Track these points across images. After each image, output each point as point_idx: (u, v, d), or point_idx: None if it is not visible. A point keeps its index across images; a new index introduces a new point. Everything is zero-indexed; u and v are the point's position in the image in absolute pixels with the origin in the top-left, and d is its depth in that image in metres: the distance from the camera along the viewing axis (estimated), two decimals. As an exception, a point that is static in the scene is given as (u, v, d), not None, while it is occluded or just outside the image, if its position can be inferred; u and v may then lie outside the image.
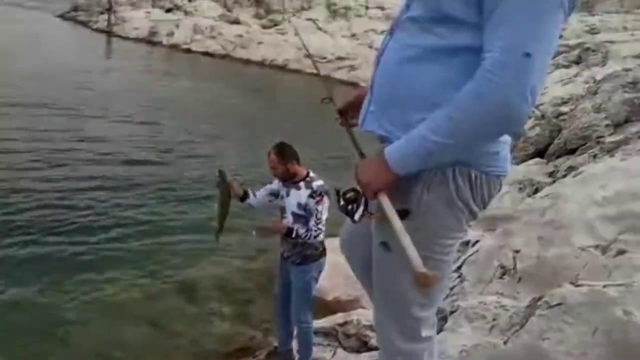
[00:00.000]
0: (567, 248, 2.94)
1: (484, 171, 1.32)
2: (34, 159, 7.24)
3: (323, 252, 3.19)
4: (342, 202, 1.38)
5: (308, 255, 3.14)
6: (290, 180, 3.11)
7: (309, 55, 2.06)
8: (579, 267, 2.79)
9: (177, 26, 21.22)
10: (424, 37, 1.26)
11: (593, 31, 12.93)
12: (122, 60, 17.11)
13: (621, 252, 2.71)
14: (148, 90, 12.91)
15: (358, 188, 1.35)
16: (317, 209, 3.01)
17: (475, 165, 1.31)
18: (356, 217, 1.36)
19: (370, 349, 3.51)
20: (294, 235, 3.03)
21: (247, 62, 19.69)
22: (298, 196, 3.07)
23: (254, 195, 3.30)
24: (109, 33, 21.63)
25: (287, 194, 3.13)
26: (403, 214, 1.30)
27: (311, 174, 3.13)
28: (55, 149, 7.70)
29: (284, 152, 3.09)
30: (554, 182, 4.92)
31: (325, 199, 3.03)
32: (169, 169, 7.63)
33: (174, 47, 20.48)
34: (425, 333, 1.47)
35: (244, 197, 3.26)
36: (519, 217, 3.63)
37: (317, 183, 3.08)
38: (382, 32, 19.32)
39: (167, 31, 21.16)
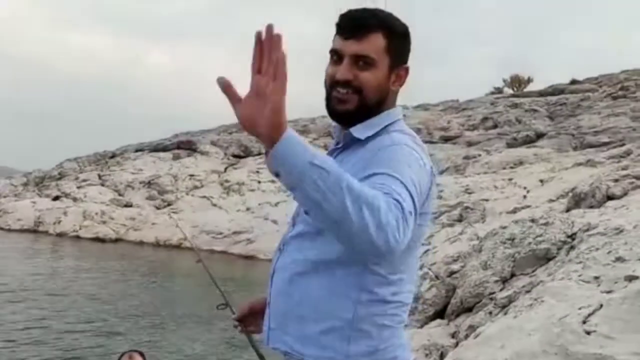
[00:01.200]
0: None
1: None
2: None
3: None
4: None
5: None
6: None
7: (192, 248, 2.06)
8: None
9: (65, 213, 20.63)
10: (308, 250, 1.32)
11: (468, 191, 14.12)
12: (2, 253, 16.08)
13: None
14: (29, 285, 12.04)
15: None
16: None
17: None
18: None
19: None
20: None
21: (141, 243, 19.23)
22: None
23: None
24: (-12, 225, 20.59)
25: None
26: None
27: None
28: None
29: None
30: (457, 343, 4.94)
31: None
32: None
33: (62, 235, 19.72)
34: None
35: None
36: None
37: None
38: (276, 203, 19.92)
39: (54, 219, 20.46)
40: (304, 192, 1.06)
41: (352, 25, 1.33)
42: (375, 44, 1.32)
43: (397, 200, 1.10)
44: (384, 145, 1.28)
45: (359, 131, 1.34)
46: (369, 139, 1.34)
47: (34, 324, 9.01)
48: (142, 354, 3.04)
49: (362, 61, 1.33)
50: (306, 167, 1.05)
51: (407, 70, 1.40)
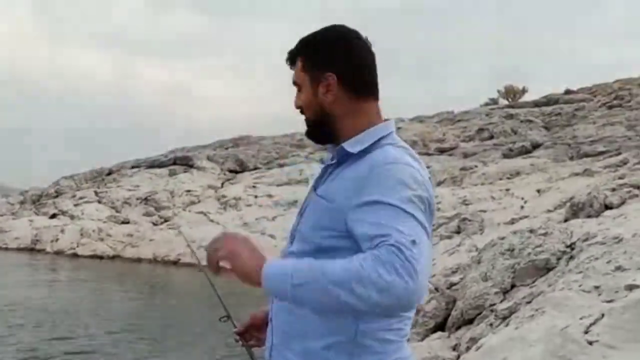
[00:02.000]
0: None
1: None
2: None
3: None
4: None
5: None
6: None
7: (195, 259, 2.13)
8: None
9: (62, 231, 20.56)
10: None
11: (466, 202, 14.14)
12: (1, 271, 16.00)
13: None
14: (26, 303, 11.96)
15: None
16: None
17: None
18: None
19: None
20: None
21: (139, 260, 19.15)
22: None
23: None
24: (-15, 245, 20.50)
25: None
26: None
27: None
28: None
29: None
30: (458, 356, 4.92)
31: None
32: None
33: (59, 252, 19.63)
34: None
35: None
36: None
37: None
38: (273, 218, 19.89)
39: (51, 237, 20.38)
40: (300, 303, 1.22)
41: (287, 58, 1.47)
42: (298, 68, 1.43)
43: (392, 244, 1.15)
44: (378, 163, 1.29)
45: (351, 145, 1.36)
46: (362, 153, 1.34)
47: (31, 344, 8.95)
48: None
49: (297, 87, 1.45)
50: (291, 290, 1.20)
51: (332, 76, 1.38)
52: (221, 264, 1.33)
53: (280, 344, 1.37)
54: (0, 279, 15.00)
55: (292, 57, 1.44)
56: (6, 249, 20.20)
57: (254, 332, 1.62)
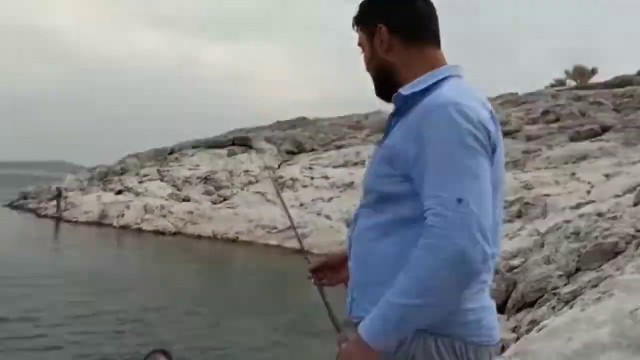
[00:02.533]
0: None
1: (468, 342, 1.26)
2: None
3: None
4: None
5: None
6: None
7: (293, 227, 2.09)
8: None
9: (128, 207, 21.35)
10: (377, 217, 1.36)
11: (528, 187, 13.73)
12: (71, 243, 16.83)
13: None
14: (100, 271, 12.53)
15: None
16: None
17: (458, 336, 1.26)
18: None
19: None
20: None
21: (199, 237, 19.68)
22: None
23: None
24: (58, 218, 21.54)
25: None
26: None
27: None
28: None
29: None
30: (518, 339, 4.81)
31: None
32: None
33: (125, 227, 20.42)
34: None
35: None
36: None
37: None
38: (329, 199, 19.96)
39: (117, 213, 21.21)
40: (418, 319, 1.23)
41: (352, 24, 1.51)
42: (358, 30, 1.49)
43: (437, 214, 1.19)
44: (429, 105, 1.28)
45: (405, 90, 1.37)
46: (419, 97, 1.32)
47: (101, 313, 9.38)
48: (166, 353, 3.03)
49: (361, 49, 1.50)
50: (396, 332, 1.23)
51: (382, 27, 1.41)
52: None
53: (360, 297, 1.37)
54: (75, 251, 15.78)
55: (355, 21, 1.49)
56: (76, 222, 21.18)
57: (327, 271, 1.64)
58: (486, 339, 1.29)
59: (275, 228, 19.07)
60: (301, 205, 21.23)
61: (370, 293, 1.33)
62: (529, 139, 18.89)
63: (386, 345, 1.23)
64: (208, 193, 22.42)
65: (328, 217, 18.29)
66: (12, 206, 24.26)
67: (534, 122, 21.17)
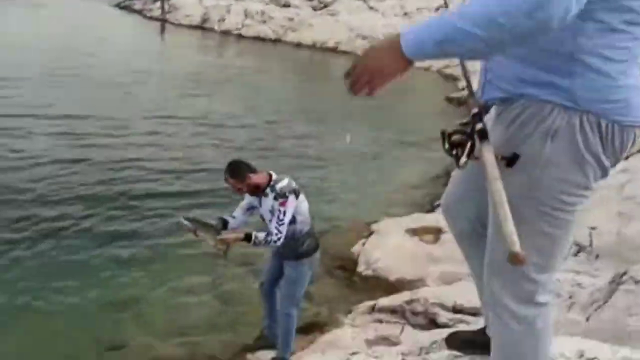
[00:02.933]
0: (650, 223, 2.79)
1: (614, 120, 1.22)
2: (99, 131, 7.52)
3: (316, 248, 3.28)
4: (447, 145, 1.31)
5: (300, 252, 3.22)
6: (256, 192, 3.15)
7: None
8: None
9: (229, 11, 21.37)
10: None
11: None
12: (176, 47, 17.42)
13: None
14: (205, 77, 13.08)
15: (466, 130, 1.27)
16: (279, 210, 3.05)
17: (604, 114, 1.21)
18: (461, 161, 1.27)
19: (439, 326, 3.46)
20: (253, 240, 3.04)
21: (298, 45, 19.67)
22: (267, 203, 3.13)
23: (233, 217, 3.33)
24: (163, 21, 21.98)
25: (260, 204, 3.19)
26: (510, 161, 1.23)
27: (274, 177, 3.17)
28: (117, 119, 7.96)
29: (237, 172, 3.11)
30: (627, 156, 4.70)
31: (291, 198, 3.07)
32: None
33: (226, 32, 20.66)
34: (541, 298, 1.38)
35: (224, 226, 3.27)
36: (594, 192, 3.48)
37: (281, 185, 3.12)
38: (436, 8, 18.93)
39: (218, 17, 21.34)
40: (457, 53, 1.13)
41: None
42: None
43: None
44: None
45: None
46: None
47: (204, 114, 9.97)
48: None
49: None
50: (439, 48, 1.11)
51: None
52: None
53: (494, 78, 1.31)
54: (176, 52, 16.38)
55: None
56: (179, 24, 21.58)
57: None
58: (631, 119, 1.23)
59: (376, 38, 18.63)
60: (405, 14, 20.38)
61: (506, 72, 1.28)
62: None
63: (418, 54, 1.14)
64: (308, -2, 21.89)
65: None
66: (120, 6, 24.85)
67: None
